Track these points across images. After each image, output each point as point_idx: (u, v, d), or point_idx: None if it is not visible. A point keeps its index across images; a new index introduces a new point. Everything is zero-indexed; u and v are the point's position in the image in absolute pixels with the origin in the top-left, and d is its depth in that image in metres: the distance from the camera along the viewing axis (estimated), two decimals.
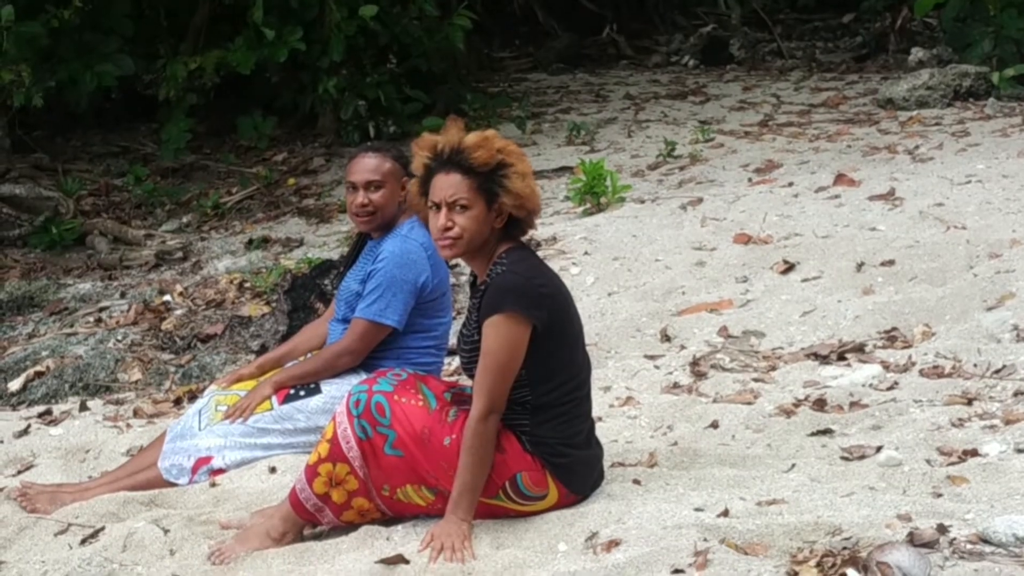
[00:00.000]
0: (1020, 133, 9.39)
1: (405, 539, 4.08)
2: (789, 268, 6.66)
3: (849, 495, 4.06)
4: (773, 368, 5.53)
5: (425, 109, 11.55)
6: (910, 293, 6.10)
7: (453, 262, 4.90)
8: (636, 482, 4.33)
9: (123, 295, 8.02)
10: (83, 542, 4.38)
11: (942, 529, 3.69)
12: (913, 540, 3.63)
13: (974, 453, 4.35)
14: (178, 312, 7.42)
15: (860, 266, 6.50)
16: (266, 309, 7.12)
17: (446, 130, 4.10)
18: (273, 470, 4.74)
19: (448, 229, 4.02)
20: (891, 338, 5.69)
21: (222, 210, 10.27)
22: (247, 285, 7.67)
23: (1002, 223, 6.79)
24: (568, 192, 8.86)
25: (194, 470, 4.82)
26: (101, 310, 7.71)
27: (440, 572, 3.83)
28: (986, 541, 3.64)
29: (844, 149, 9.66)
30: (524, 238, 4.21)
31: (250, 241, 9.31)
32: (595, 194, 8.41)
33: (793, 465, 4.44)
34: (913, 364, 5.32)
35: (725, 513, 3.95)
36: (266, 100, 12.03)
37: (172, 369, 6.67)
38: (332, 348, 4.93)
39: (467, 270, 6.02)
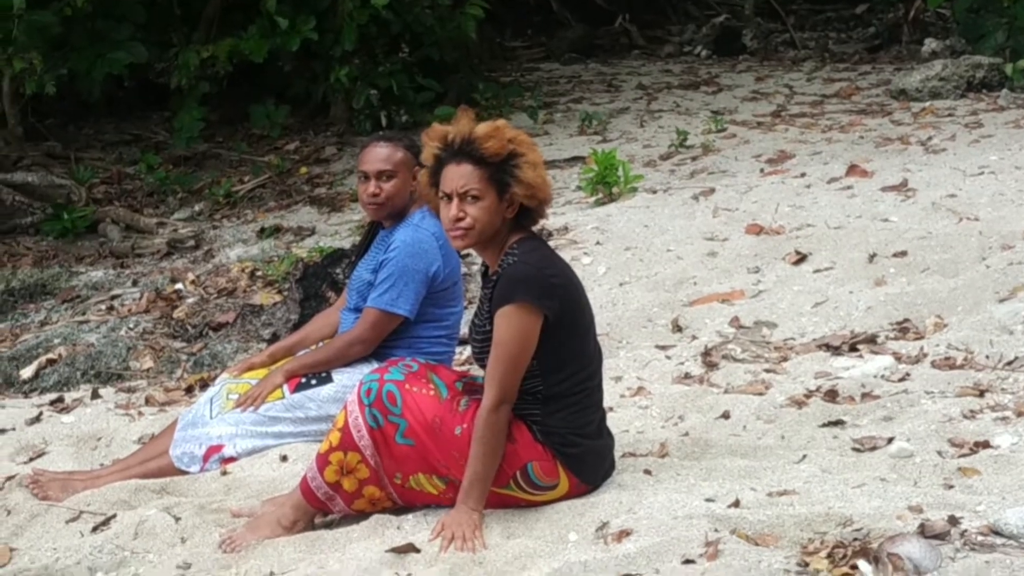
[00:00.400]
0: None
1: (416, 528, 4.08)
2: (801, 259, 6.65)
3: (860, 486, 4.05)
4: (785, 359, 5.52)
5: (437, 98, 11.55)
6: (922, 284, 6.09)
7: (464, 252, 4.90)
8: (647, 472, 4.33)
9: (135, 283, 8.03)
10: (94, 529, 4.39)
11: (953, 521, 3.69)
12: (924, 532, 3.63)
13: (986, 445, 4.35)
14: (190, 300, 7.42)
15: (872, 257, 6.48)
16: (278, 298, 7.13)
17: (457, 120, 4.09)
18: (284, 458, 4.75)
19: (460, 220, 4.01)
20: (903, 329, 5.68)
21: (234, 198, 10.28)
22: (259, 274, 7.67)
23: (1015, 214, 6.77)
24: (580, 182, 8.85)
25: (205, 458, 4.82)
26: (113, 298, 7.71)
27: (451, 561, 3.83)
28: (997, 533, 3.63)
29: (857, 140, 9.63)
30: (535, 228, 4.20)
31: (262, 230, 9.32)
32: (607, 184, 8.40)
33: (804, 456, 4.43)
34: (925, 355, 5.31)
35: (736, 504, 3.95)
36: (279, 89, 12.03)
37: (184, 357, 6.67)
38: (344, 337, 4.93)
39: (479, 259, 6.02)
